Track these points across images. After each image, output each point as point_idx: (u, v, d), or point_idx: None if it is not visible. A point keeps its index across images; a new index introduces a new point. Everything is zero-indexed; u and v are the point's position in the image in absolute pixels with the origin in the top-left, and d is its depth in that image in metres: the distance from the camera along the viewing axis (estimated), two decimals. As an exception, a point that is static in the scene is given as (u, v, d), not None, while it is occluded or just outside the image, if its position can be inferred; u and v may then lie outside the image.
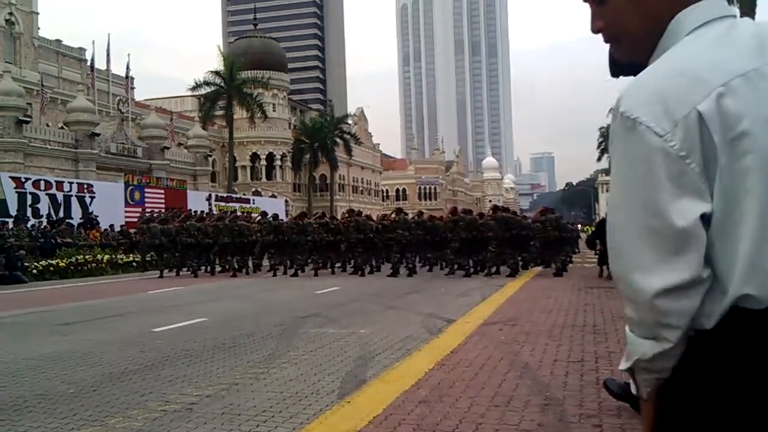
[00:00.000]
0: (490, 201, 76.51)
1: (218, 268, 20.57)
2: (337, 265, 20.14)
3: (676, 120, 1.03)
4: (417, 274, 17.89)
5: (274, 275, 19.13)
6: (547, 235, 16.78)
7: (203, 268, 20.54)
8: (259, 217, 22.74)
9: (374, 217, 22.61)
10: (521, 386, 4.91)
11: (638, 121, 1.05)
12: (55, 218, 25.93)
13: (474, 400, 4.51)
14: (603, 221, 12.62)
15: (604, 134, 63.47)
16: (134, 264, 22.35)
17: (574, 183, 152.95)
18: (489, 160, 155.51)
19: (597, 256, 15.79)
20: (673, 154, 1.02)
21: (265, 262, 20.61)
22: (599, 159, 67.08)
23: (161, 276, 19.42)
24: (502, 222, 17.11)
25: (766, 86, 1.04)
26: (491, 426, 3.91)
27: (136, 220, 25.69)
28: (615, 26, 1.22)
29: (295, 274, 18.66)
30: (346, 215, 20.04)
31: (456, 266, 17.38)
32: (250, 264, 20.58)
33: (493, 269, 16.96)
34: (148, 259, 21.67)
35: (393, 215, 19.61)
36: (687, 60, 1.07)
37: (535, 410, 4.25)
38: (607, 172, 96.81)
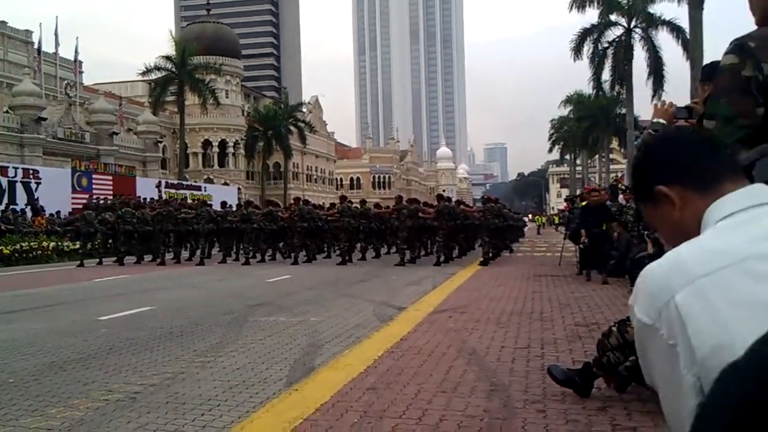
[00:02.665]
0: (444, 190, 76.94)
1: (168, 256, 20.25)
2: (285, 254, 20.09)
3: (659, 309, 0.98)
4: (366, 261, 17.90)
5: (224, 262, 18.95)
6: (488, 223, 17.02)
7: (153, 257, 20.22)
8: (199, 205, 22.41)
9: (325, 205, 22.59)
10: (468, 373, 4.95)
11: (633, 308, 1.04)
12: (0, 204, 25.24)
13: (421, 387, 4.53)
14: (590, 209, 12.00)
15: (555, 126, 64.32)
16: (80, 252, 21.87)
17: (526, 173, 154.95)
18: (443, 150, 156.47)
19: (579, 253, 13.01)
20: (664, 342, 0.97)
21: (216, 251, 20.38)
22: (550, 150, 68.04)
23: (100, 263, 19.14)
24: (444, 212, 17.29)
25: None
26: (437, 412, 3.94)
27: (82, 207, 25.15)
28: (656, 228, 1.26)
29: (246, 263, 18.50)
30: (292, 204, 20.08)
31: (406, 256, 17.48)
32: (197, 253, 20.35)
33: (441, 258, 17.09)
34: (89, 247, 21.28)
35: (337, 203, 19.68)
36: (685, 247, 1.03)
37: (482, 396, 4.29)
38: (557, 163, 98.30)
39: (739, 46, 2.17)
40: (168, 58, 45.73)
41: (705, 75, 2.66)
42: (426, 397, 4.27)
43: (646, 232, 10.27)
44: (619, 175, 47.34)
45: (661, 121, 2.99)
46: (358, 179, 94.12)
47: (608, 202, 12.81)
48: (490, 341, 6.19)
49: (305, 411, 3.98)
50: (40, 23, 45.78)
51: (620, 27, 34.66)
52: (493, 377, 4.81)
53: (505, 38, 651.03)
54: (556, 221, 56.65)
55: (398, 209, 17.96)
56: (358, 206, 19.64)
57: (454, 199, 21.70)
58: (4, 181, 26.40)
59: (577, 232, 12.43)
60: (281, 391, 4.54)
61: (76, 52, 44.08)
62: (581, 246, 12.31)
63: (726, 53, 2.20)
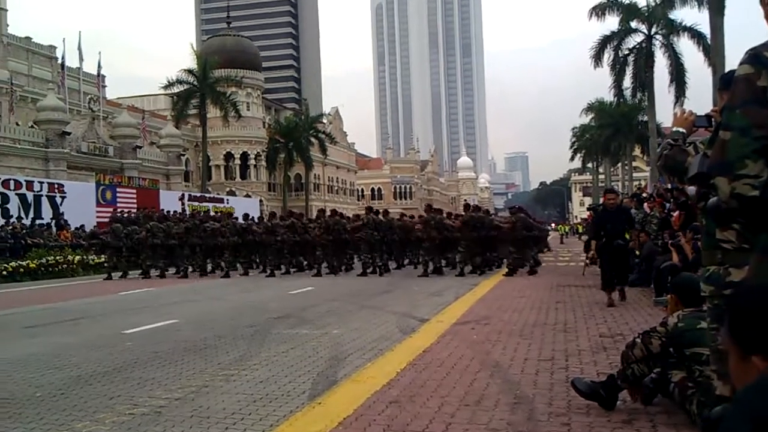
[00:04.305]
0: (465, 200, 76.68)
1: (189, 269, 20.40)
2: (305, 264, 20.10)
3: None
4: (389, 273, 17.89)
5: (246, 275, 19.03)
6: (515, 235, 16.85)
7: (176, 270, 20.38)
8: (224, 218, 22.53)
9: (350, 216, 22.56)
10: (492, 385, 4.93)
11: None
12: (25, 218, 25.57)
13: (445, 400, 4.51)
14: (607, 213, 9.83)
15: (577, 134, 63.92)
16: (106, 265, 22.09)
17: (548, 182, 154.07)
18: (464, 160, 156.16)
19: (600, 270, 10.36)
20: None
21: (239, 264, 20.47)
22: (572, 159, 67.52)
23: (124, 276, 19.32)
24: (471, 222, 17.17)
25: None
26: (461, 425, 3.92)
27: (108, 220, 25.43)
28: None
29: (271, 275, 18.57)
30: (318, 216, 20.06)
31: (430, 266, 17.38)
32: (222, 265, 20.47)
33: (466, 269, 16.99)
34: (115, 261, 21.52)
35: (363, 215, 19.62)
36: None
37: (505, 409, 4.27)
38: (579, 171, 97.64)
39: (754, 56, 2.15)
40: (190, 71, 46.18)
41: (723, 84, 2.64)
42: (449, 411, 4.26)
43: (670, 241, 10.19)
44: (643, 183, 46.95)
45: (681, 129, 2.97)
46: (379, 190, 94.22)
47: (633, 210, 12.39)
48: (514, 353, 6.16)
49: (328, 425, 3.99)
50: (64, 39, 46.69)
51: (640, 34, 34.49)
52: (517, 390, 4.78)
53: (525, 46, 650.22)
54: (580, 230, 56.20)
55: (426, 220, 17.85)
56: (382, 217, 19.63)
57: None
58: (30, 196, 26.74)
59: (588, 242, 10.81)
60: (304, 404, 4.55)
61: (99, 66, 44.75)
62: (587, 262, 10.92)
63: (741, 63, 2.19)
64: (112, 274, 19.59)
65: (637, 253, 11.89)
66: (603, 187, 62.87)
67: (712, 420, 3.70)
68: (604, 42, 34.82)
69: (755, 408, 0.90)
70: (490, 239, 17.57)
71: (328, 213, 20.68)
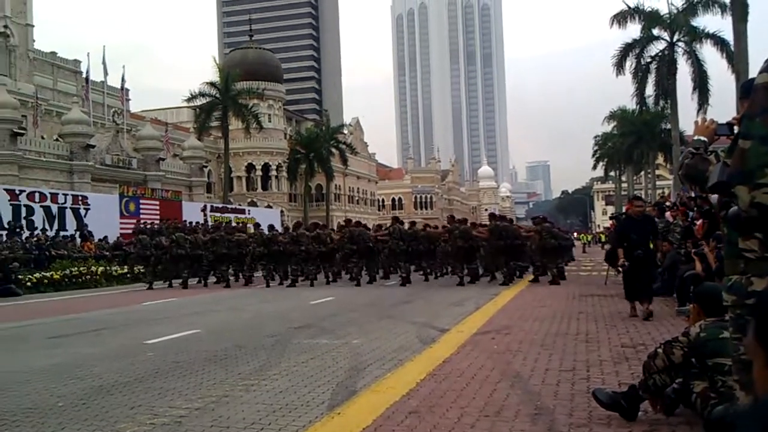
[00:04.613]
0: (486, 210, 76.45)
1: (212, 279, 20.55)
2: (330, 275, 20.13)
3: None
4: (411, 284, 17.86)
5: (268, 286, 19.10)
6: (544, 243, 16.75)
7: (198, 280, 20.55)
8: (251, 228, 22.68)
9: (370, 226, 22.58)
10: (512, 396, 4.89)
11: None
12: (50, 230, 25.90)
13: (464, 411, 4.49)
14: (632, 221, 9.48)
15: (599, 142, 63.56)
16: (128, 276, 22.31)
17: (570, 191, 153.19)
18: (485, 169, 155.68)
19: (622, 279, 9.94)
20: None
21: (259, 273, 20.56)
22: (594, 167, 67.11)
23: (150, 288, 19.40)
24: (497, 231, 17.12)
25: None
26: (480, 436, 3.89)
27: (131, 231, 25.67)
28: None
29: (291, 285, 18.63)
30: (343, 226, 20.09)
31: (449, 269, 17.30)
32: (241, 276, 20.59)
33: (488, 277, 16.92)
34: (136, 271, 21.75)
35: (389, 225, 19.64)
36: None
37: (526, 420, 4.23)
38: (601, 180, 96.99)
39: None
40: (212, 84, 46.62)
41: (743, 92, 2.61)
42: (469, 421, 4.23)
43: (693, 250, 10.07)
44: (666, 191, 46.56)
45: (702, 138, 2.95)
46: (400, 200, 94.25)
47: (655, 219, 12.22)
48: (535, 363, 6.11)
49: (347, 435, 3.98)
50: (88, 53, 47.10)
51: (663, 41, 34.31)
52: (538, 401, 4.74)
53: (546, 54, 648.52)
54: (603, 239, 55.77)
55: (450, 230, 17.85)
56: (410, 226, 19.71)
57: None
58: (55, 208, 27.07)
59: (614, 251, 10.26)
60: (323, 414, 4.55)
61: (123, 80, 45.28)
62: (619, 270, 10.11)
63: (761, 72, 2.16)
64: (138, 284, 19.78)
65: (660, 262, 11.74)
66: (626, 196, 62.50)
67: (713, 420, 3.66)
68: (626, 50, 34.67)
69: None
70: (515, 248, 17.51)
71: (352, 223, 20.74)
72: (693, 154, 2.89)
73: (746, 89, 2.47)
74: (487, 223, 18.71)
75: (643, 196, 52.01)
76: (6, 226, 23.80)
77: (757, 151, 2.09)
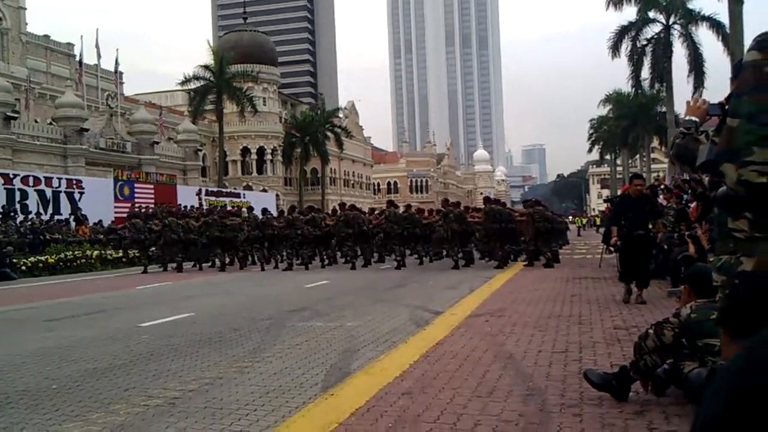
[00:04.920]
0: (482, 193, 76.35)
1: (208, 264, 20.58)
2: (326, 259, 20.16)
3: None
4: (406, 267, 17.90)
5: (263, 269, 19.11)
6: (537, 227, 16.75)
7: (193, 264, 20.58)
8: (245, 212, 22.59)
9: (365, 210, 22.57)
10: (504, 377, 4.92)
11: None
12: (44, 214, 25.85)
13: (457, 392, 4.51)
14: (631, 201, 9.12)
15: (594, 126, 63.51)
16: (123, 260, 22.31)
17: (566, 175, 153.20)
18: (480, 153, 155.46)
19: (618, 260, 10.24)
20: None
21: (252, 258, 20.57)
22: (590, 150, 67.16)
23: (145, 271, 19.41)
24: (491, 214, 17.13)
25: None
26: (472, 417, 3.92)
27: (126, 215, 25.63)
28: None
29: (288, 268, 18.64)
30: (338, 210, 20.09)
31: (444, 252, 17.33)
32: (236, 260, 20.60)
33: (485, 260, 16.94)
34: (131, 255, 21.75)
35: (384, 208, 19.63)
36: None
37: (517, 400, 4.26)
38: (597, 163, 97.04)
39: (762, 42, 2.13)
40: (206, 67, 46.39)
41: (735, 72, 2.61)
42: (461, 402, 4.25)
43: (687, 233, 10.10)
44: (661, 174, 46.56)
45: (694, 118, 2.94)
46: (395, 183, 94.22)
47: (655, 200, 12.09)
48: (527, 345, 6.14)
49: (340, 416, 4.00)
50: (81, 36, 46.88)
51: (658, 24, 34.21)
52: (530, 381, 4.77)
53: (541, 37, 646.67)
54: (598, 223, 55.89)
55: (445, 214, 17.84)
56: (405, 209, 19.69)
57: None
58: (49, 192, 27.02)
59: (609, 231, 9.85)
60: (317, 395, 4.57)
61: (117, 63, 44.97)
62: (612, 249, 9.84)
63: (749, 49, 2.16)
64: (134, 267, 19.77)
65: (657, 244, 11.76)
66: (621, 180, 62.68)
67: (689, 383, 3.74)
68: (622, 32, 34.58)
69: (730, 383, 0.93)
70: (509, 231, 17.53)
71: (347, 207, 20.75)
72: (684, 134, 2.88)
73: (738, 69, 2.46)
74: (482, 206, 18.66)
75: (638, 180, 52.11)
76: (0, 210, 23.73)
77: (745, 129, 2.09)
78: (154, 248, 20.77)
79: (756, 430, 0.88)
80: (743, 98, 2.13)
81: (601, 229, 26.33)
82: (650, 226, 9.31)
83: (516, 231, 17.66)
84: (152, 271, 19.45)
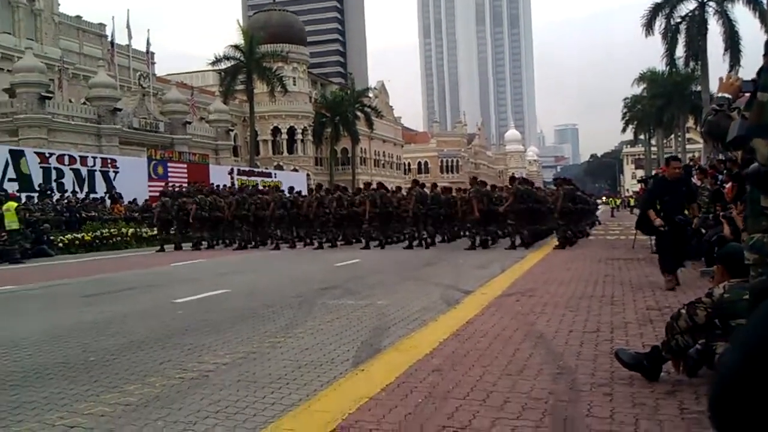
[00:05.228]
0: (513, 174, 76.02)
1: (240, 242, 20.79)
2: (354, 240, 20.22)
3: None
4: (435, 246, 17.88)
5: (293, 247, 19.25)
6: (563, 206, 16.50)
7: (220, 241, 20.82)
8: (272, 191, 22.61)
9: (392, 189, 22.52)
10: (535, 356, 4.92)
11: None
12: (80, 192, 26.30)
13: (487, 369, 4.53)
14: (667, 183, 8.59)
15: (628, 105, 62.56)
16: (158, 238, 22.61)
17: (599, 155, 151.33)
18: (512, 133, 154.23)
19: (655, 245, 10.03)
20: None
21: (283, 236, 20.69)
22: (624, 130, 66.17)
23: (161, 250, 19.66)
24: (519, 194, 17.00)
25: None
26: (502, 394, 3.94)
27: (159, 194, 25.95)
28: None
29: (319, 247, 18.76)
30: (361, 189, 20.10)
31: (477, 240, 17.27)
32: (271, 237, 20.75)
33: (517, 241, 16.83)
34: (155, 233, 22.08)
35: (410, 188, 19.60)
36: None
37: (547, 379, 4.27)
38: (631, 143, 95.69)
39: None
40: (236, 47, 46.57)
41: (767, 48, 2.57)
42: (491, 380, 4.27)
43: (722, 213, 9.95)
44: (696, 154, 45.81)
45: (726, 95, 2.90)
46: (426, 164, 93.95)
47: (692, 182, 11.74)
48: (558, 325, 6.13)
49: (371, 390, 4.05)
50: (113, 17, 47.42)
51: (693, 1, 33.46)
52: (560, 360, 4.77)
53: (576, 15, 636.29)
54: (632, 203, 55.23)
55: (478, 193, 17.57)
56: (429, 190, 19.64)
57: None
58: (84, 171, 27.46)
59: (643, 215, 9.11)
60: (348, 371, 4.63)
61: (148, 43, 45.41)
62: (661, 230, 8.60)
63: None
64: (165, 246, 19.97)
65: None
66: (655, 160, 61.80)
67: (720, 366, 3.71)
68: (656, 10, 33.92)
69: (746, 341, 0.95)
70: (536, 211, 17.41)
71: (373, 186, 20.71)
72: (716, 111, 2.85)
73: None
74: (509, 186, 18.53)
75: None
76: (37, 188, 24.18)
77: None
78: (179, 226, 20.92)
79: None
80: None
81: (636, 210, 25.95)
82: (686, 212, 8.84)
83: (544, 212, 17.54)
84: (185, 250, 19.69)
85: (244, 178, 38.32)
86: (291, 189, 22.31)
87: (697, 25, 32.94)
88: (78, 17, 46.25)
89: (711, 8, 32.98)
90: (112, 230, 21.69)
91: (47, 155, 26.45)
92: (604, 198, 73.00)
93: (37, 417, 3.83)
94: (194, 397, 4.12)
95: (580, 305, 7.23)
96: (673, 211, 8.45)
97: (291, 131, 59.19)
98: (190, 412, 3.81)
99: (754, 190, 2.44)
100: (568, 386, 4.10)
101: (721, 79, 3.06)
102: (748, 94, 2.84)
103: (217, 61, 46.82)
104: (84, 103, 38.83)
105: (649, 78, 52.88)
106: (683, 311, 4.01)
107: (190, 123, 44.35)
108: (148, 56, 45.54)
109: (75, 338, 6.21)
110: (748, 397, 1.01)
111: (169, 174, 32.42)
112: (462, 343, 5.39)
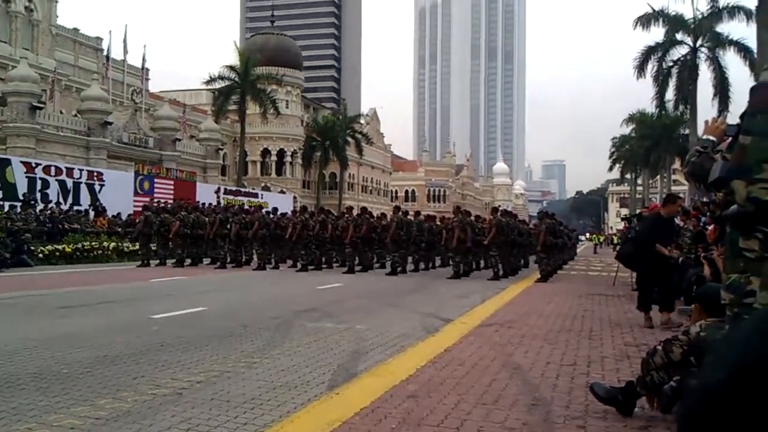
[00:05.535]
0: (499, 206, 76.41)
1: (227, 259, 20.68)
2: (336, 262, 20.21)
3: None
4: (418, 273, 17.86)
5: (277, 268, 19.17)
6: (545, 240, 16.55)
7: (203, 259, 20.76)
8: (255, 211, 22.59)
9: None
10: (510, 386, 4.92)
11: None
12: (64, 204, 26.11)
13: (462, 398, 4.52)
14: (663, 222, 8.54)
15: (616, 144, 63.20)
16: (139, 253, 22.46)
17: (585, 192, 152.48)
18: (500, 166, 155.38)
19: (637, 282, 9.82)
20: None
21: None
22: (611, 169, 66.77)
23: (145, 265, 19.56)
24: (501, 226, 17.09)
25: None
26: (476, 423, 3.93)
27: (141, 209, 25.81)
28: None
29: (303, 269, 18.71)
30: (344, 213, 20.16)
31: (461, 269, 17.29)
32: (245, 257, 20.71)
33: (500, 272, 16.87)
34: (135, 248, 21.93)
35: (392, 214, 19.67)
36: None
37: (522, 410, 4.26)
38: (617, 182, 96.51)
39: None
40: (232, 68, 46.73)
41: (751, 93, 2.64)
42: (466, 408, 4.26)
43: (703, 254, 10.03)
44: (681, 196, 46.16)
45: (711, 138, 2.95)
46: (414, 192, 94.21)
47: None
48: (536, 356, 6.13)
49: (345, 414, 4.02)
50: (110, 31, 47.61)
51: (685, 46, 33.98)
52: (536, 392, 4.77)
53: (569, 55, 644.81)
54: (615, 241, 55.56)
55: (460, 222, 17.68)
56: (412, 217, 19.68)
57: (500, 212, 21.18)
58: (70, 182, 27.27)
59: (633, 252, 8.91)
60: (323, 393, 4.60)
61: (144, 59, 45.45)
62: (677, 257, 8.64)
63: (764, 69, 2.18)
64: (149, 261, 19.83)
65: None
66: (640, 199, 62.22)
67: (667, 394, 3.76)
68: (648, 53, 34.39)
69: (734, 357, 0.96)
70: (518, 244, 17.50)
71: (356, 211, 20.71)
72: (700, 153, 2.90)
73: (753, 90, 2.49)
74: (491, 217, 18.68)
75: (657, 201, 51.75)
76: (21, 197, 24.00)
77: (757, 147, 2.10)
78: (160, 241, 20.82)
79: (762, 396, 0.91)
80: (757, 117, 2.15)
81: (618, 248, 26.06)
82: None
83: (527, 244, 17.63)
84: (167, 266, 19.56)
85: (231, 197, 38.20)
86: (275, 210, 22.27)
87: (688, 69, 33.41)
88: (75, 30, 46.33)
89: (703, 54, 33.50)
90: (93, 243, 21.51)
91: (33, 165, 26.27)
92: (588, 234, 73.39)
93: (4, 428, 3.77)
94: (165, 414, 4.07)
95: (558, 338, 7.24)
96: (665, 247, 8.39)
97: (281, 153, 59.27)
98: (161, 429, 3.77)
99: (733, 232, 2.48)
100: (542, 418, 4.10)
101: (706, 122, 3.11)
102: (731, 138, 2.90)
103: (212, 80, 46.91)
104: (75, 115, 38.75)
105: (638, 119, 53.50)
106: (659, 348, 4.04)
107: (180, 140, 44.31)
108: (143, 72, 45.57)
109: (49, 349, 6.14)
110: (736, 418, 1.02)
111: (156, 190, 32.27)
112: (439, 371, 5.38)
